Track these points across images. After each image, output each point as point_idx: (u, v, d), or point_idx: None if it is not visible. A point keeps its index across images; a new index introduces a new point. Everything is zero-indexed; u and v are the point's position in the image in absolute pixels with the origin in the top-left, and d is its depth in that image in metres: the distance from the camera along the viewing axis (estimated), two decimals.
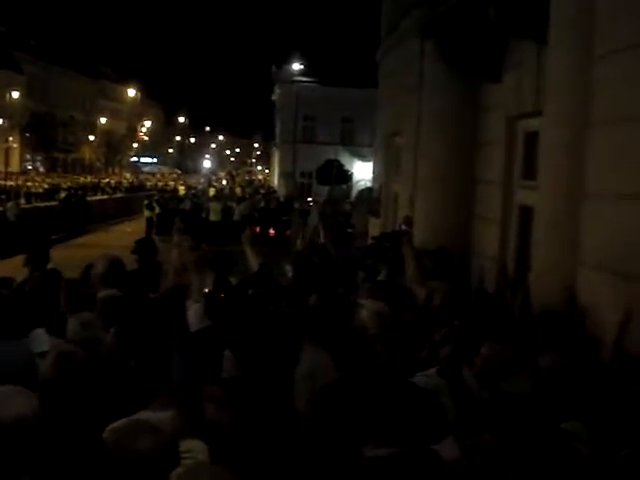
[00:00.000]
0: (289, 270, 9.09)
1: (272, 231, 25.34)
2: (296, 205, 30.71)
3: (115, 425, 2.69)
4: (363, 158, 43.44)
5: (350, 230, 20.28)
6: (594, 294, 5.06)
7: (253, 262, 6.06)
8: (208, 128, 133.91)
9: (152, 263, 6.32)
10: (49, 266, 6.93)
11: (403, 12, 11.92)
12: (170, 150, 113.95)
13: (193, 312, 4.43)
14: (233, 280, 6.24)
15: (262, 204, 31.53)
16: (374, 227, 14.92)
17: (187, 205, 28.77)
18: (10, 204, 26.49)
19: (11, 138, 65.72)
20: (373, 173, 16.76)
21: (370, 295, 5.41)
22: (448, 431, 2.90)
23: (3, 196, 38.85)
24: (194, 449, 2.65)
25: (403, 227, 7.39)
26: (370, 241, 11.78)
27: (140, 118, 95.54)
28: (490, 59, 8.94)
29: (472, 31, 8.62)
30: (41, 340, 4.40)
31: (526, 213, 8.48)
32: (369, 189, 21.87)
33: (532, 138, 8.30)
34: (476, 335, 3.55)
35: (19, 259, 7.32)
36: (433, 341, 4.18)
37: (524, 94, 8.23)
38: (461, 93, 9.71)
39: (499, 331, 3.98)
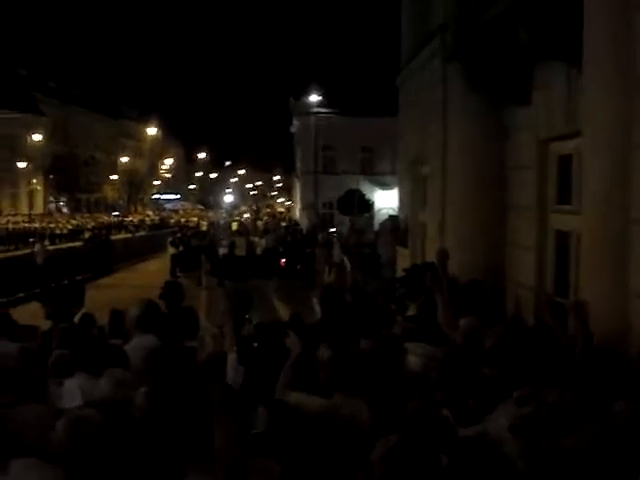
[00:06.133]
0: (316, 302, 8.84)
1: (298, 265, 25.09)
2: (319, 236, 30.46)
3: None
4: (384, 187, 43.24)
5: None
6: None
7: (282, 311, 5.79)
8: (228, 163, 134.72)
9: (180, 308, 6.11)
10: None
11: (425, 38, 11.74)
12: (191, 186, 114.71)
13: (228, 364, 4.20)
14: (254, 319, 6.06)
15: (289, 238, 31.34)
16: (403, 258, 14.63)
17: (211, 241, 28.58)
18: (37, 247, 26.49)
19: (35, 180, 66.39)
20: (399, 202, 16.51)
21: (407, 334, 5.14)
22: None
23: (31, 239, 39.08)
24: None
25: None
26: (401, 272, 11.49)
27: (161, 156, 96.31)
28: (518, 80, 8.72)
29: (498, 53, 8.41)
30: (72, 393, 4.18)
31: (563, 238, 8.19)
32: (393, 217, 21.60)
33: (565, 161, 8.04)
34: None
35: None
36: (480, 385, 3.89)
37: (555, 116, 7.98)
38: (488, 117, 9.49)
39: (556, 374, 3.68)
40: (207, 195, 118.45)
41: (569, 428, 3.01)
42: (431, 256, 10.52)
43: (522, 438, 3.03)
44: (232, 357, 4.59)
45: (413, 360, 4.33)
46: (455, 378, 3.77)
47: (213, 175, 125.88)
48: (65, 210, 72.39)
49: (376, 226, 33.89)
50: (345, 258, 17.77)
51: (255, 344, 4.90)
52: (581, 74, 6.13)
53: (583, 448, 2.74)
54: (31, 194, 65.08)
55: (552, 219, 8.49)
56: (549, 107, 8.14)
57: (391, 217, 24.64)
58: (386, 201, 40.59)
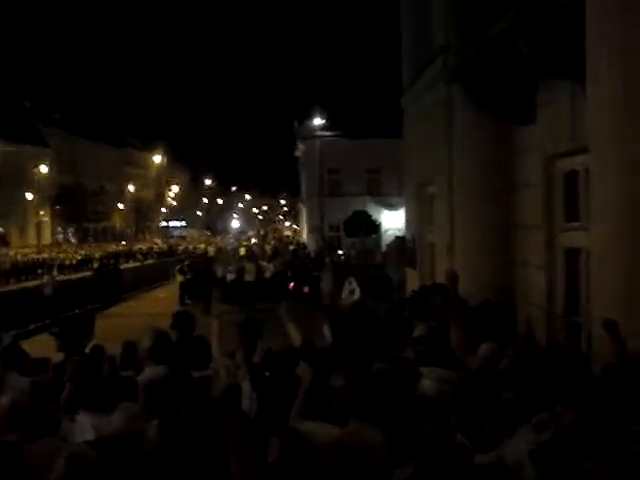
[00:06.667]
0: (326, 328, 8.80)
1: (306, 288, 25.06)
2: (327, 260, 30.40)
3: None
4: (391, 207, 43.24)
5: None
6: None
7: (294, 334, 5.75)
8: (234, 188, 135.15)
9: (191, 337, 6.07)
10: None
11: (427, 59, 11.79)
12: (198, 212, 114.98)
13: (243, 393, 4.17)
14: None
15: (297, 262, 31.35)
16: (412, 279, 14.59)
17: (220, 271, 28.44)
18: (46, 278, 26.54)
19: (42, 212, 66.67)
20: (406, 223, 16.49)
21: (420, 357, 5.08)
22: None
23: (39, 270, 39.14)
24: None
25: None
26: (410, 294, 11.45)
27: (167, 183, 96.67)
28: (522, 99, 8.73)
29: (501, 73, 8.44)
30: (85, 428, 4.15)
31: (572, 256, 8.14)
32: (400, 238, 21.58)
33: (572, 177, 8.03)
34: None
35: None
36: (497, 409, 3.85)
37: (561, 132, 7.97)
38: (494, 136, 9.50)
39: (572, 395, 3.63)
40: (214, 221, 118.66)
41: (589, 451, 2.96)
42: (440, 277, 10.49)
43: (542, 464, 2.98)
44: (246, 386, 4.57)
45: (427, 384, 4.29)
46: (470, 403, 3.72)
47: (219, 201, 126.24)
48: (73, 240, 72.56)
49: (384, 247, 33.86)
50: (353, 280, 17.73)
51: (267, 373, 4.87)
52: (585, 90, 6.13)
53: (605, 473, 2.69)
54: (39, 225, 65.32)
55: (561, 237, 8.45)
56: (554, 124, 8.14)
57: (397, 238, 24.63)
58: (393, 222, 40.61)
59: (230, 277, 26.91)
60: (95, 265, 40.70)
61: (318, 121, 47.87)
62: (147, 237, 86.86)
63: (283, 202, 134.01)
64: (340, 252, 39.37)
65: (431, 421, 3.65)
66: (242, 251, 40.03)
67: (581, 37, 5.92)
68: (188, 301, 25.94)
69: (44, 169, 63.34)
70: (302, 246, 46.86)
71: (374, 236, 38.43)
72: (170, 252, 60.59)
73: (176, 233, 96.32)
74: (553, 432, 3.10)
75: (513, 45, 7.17)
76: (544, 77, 8.00)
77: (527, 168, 9.07)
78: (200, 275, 28.18)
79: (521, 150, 9.23)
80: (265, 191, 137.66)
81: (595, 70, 5.78)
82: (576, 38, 6.01)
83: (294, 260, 32.53)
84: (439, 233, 11.98)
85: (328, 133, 47.99)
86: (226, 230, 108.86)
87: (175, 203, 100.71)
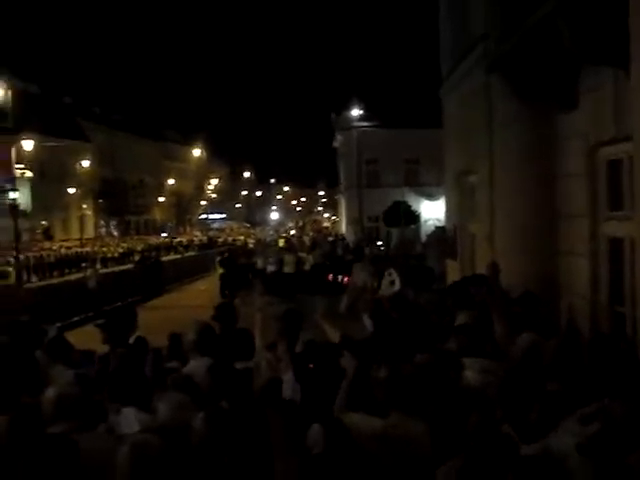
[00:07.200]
0: (366, 318, 8.79)
1: (345, 279, 25.06)
2: (366, 251, 30.32)
3: None
4: (430, 197, 43.00)
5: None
6: None
7: (333, 335, 5.75)
8: (273, 180, 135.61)
9: (235, 329, 6.12)
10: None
11: (466, 48, 11.67)
12: (237, 205, 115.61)
13: (285, 384, 4.20)
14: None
15: (340, 252, 31.38)
16: (452, 270, 14.49)
17: (260, 263, 28.58)
18: (90, 271, 26.94)
19: (85, 205, 67.56)
20: (446, 214, 16.38)
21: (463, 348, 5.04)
22: None
23: (83, 264, 39.72)
24: None
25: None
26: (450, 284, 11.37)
27: (206, 176, 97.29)
28: (563, 86, 8.59)
29: (542, 59, 8.30)
30: (130, 420, 4.20)
31: (616, 245, 8.01)
32: (441, 229, 21.41)
33: (616, 166, 7.89)
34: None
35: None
36: (543, 400, 3.82)
37: (604, 120, 7.83)
38: (534, 124, 9.37)
39: (618, 385, 3.58)
40: (253, 213, 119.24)
41: (636, 444, 2.92)
42: (481, 267, 10.41)
43: (589, 457, 2.95)
44: (288, 377, 4.59)
45: (471, 375, 4.26)
46: (516, 394, 3.69)
47: (258, 193, 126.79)
48: (115, 233, 73.50)
49: (423, 238, 33.65)
50: (393, 271, 17.63)
51: (311, 365, 4.88)
52: (629, 76, 6.02)
53: None
54: (82, 219, 66.22)
55: (604, 226, 8.32)
56: (597, 111, 8.00)
57: (438, 228, 24.44)
58: (432, 212, 40.40)
59: (270, 269, 27.04)
60: (137, 257, 41.18)
61: (356, 112, 47.76)
62: (187, 230, 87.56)
63: (321, 193, 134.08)
64: (379, 243, 39.23)
65: (476, 413, 3.64)
66: (281, 242, 40.15)
67: (625, 21, 5.81)
68: (229, 293, 26.10)
69: (86, 163, 64.16)
70: (340, 237, 46.82)
71: (413, 226, 38.26)
72: (210, 244, 61.02)
73: (215, 225, 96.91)
74: (601, 425, 3.06)
75: (554, 31, 7.04)
76: (586, 63, 7.86)
77: (569, 156, 8.94)
78: (240, 267, 28.32)
79: (563, 138, 9.09)
80: (303, 183, 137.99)
81: (639, 55, 5.66)
82: (620, 23, 5.89)
83: (333, 251, 32.54)
84: (480, 223, 11.88)
85: (366, 124, 47.87)
86: (265, 222, 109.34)
87: (215, 196, 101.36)
